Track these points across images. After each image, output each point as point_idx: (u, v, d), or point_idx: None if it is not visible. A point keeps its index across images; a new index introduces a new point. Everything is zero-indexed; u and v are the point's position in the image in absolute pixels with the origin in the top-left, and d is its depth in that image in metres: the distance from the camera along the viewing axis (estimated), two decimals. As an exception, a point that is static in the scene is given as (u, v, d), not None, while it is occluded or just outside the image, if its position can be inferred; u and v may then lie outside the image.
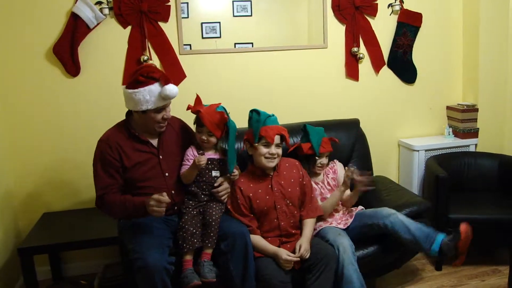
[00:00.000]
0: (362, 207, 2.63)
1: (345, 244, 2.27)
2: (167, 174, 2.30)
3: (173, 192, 2.30)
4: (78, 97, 2.88)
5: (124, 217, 2.25)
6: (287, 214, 2.38)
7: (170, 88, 2.13)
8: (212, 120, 2.29)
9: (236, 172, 2.40)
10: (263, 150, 2.33)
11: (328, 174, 2.69)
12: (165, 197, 2.02)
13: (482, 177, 3.18)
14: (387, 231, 2.35)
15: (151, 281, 1.96)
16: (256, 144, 2.33)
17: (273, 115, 2.40)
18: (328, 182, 2.65)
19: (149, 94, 2.11)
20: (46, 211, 2.92)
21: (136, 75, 2.15)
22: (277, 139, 2.33)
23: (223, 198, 2.36)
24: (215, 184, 2.36)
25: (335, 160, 2.77)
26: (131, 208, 2.13)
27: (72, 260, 3.03)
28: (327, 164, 2.71)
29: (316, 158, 2.60)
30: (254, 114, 2.37)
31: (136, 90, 2.11)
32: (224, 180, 2.38)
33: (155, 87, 2.12)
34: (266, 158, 2.33)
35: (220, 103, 2.38)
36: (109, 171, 2.18)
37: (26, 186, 2.90)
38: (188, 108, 2.37)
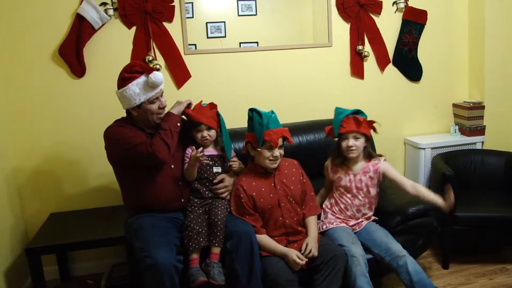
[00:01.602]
0: (375, 218, 2.57)
1: (358, 255, 2.24)
2: (172, 166, 2.32)
3: (180, 183, 2.34)
4: (84, 98, 2.89)
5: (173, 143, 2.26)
6: (291, 211, 2.38)
7: (155, 75, 2.18)
8: (206, 115, 2.35)
9: (235, 159, 2.43)
10: (267, 153, 2.32)
11: (368, 172, 2.47)
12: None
13: (489, 175, 3.16)
14: (390, 268, 2.30)
15: (160, 279, 1.97)
16: (260, 148, 2.32)
17: (272, 112, 2.37)
18: (360, 179, 2.47)
19: (137, 87, 2.18)
20: (53, 211, 2.93)
21: (121, 74, 2.23)
22: (280, 141, 2.33)
23: (223, 195, 2.37)
24: (215, 181, 2.37)
25: (380, 157, 2.51)
26: (170, 126, 2.25)
27: (80, 260, 3.04)
28: (367, 157, 2.49)
29: (335, 139, 2.44)
30: (256, 116, 2.32)
31: (125, 87, 2.19)
32: (225, 177, 2.40)
33: (141, 79, 2.20)
34: (270, 160, 2.34)
35: (201, 101, 2.42)
36: (135, 131, 2.24)
37: (34, 187, 2.91)
38: (187, 112, 2.39)
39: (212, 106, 2.41)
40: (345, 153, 2.46)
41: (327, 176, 2.61)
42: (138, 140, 2.19)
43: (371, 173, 2.47)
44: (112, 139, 2.24)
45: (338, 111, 2.48)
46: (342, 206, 2.52)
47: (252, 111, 2.36)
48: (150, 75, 2.17)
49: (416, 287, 2.19)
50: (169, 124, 2.26)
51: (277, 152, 2.33)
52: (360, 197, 2.49)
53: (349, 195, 2.50)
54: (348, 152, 2.43)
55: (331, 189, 2.61)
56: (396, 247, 2.31)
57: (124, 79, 2.21)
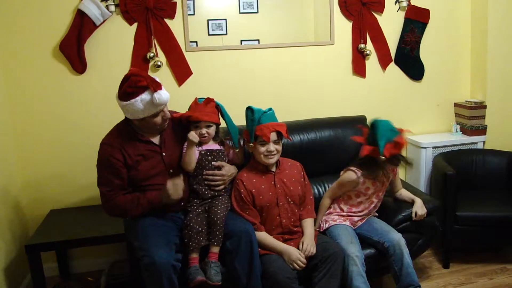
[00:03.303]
0: (377, 214, 2.59)
1: (355, 255, 2.24)
2: (171, 170, 2.30)
3: None
4: (85, 94, 2.88)
5: (134, 216, 2.22)
6: (288, 211, 2.38)
7: (160, 96, 2.09)
8: (205, 112, 2.31)
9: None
10: (261, 148, 2.33)
11: (386, 173, 2.51)
12: (180, 179, 2.15)
13: (490, 174, 3.16)
14: (387, 252, 2.33)
15: (158, 278, 1.97)
16: (253, 143, 2.33)
17: (269, 109, 2.37)
18: (383, 182, 2.53)
19: (141, 103, 2.09)
20: (53, 208, 2.93)
21: (124, 87, 2.12)
22: (273, 136, 2.33)
23: (219, 187, 2.33)
24: (215, 164, 2.34)
25: None
26: (145, 203, 2.17)
27: (79, 257, 3.04)
28: None
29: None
30: (248, 113, 2.36)
31: (128, 102, 2.10)
32: (225, 164, 2.37)
33: (146, 95, 2.09)
34: (265, 155, 2.34)
35: (196, 98, 2.39)
36: (114, 173, 2.18)
37: (33, 183, 2.91)
38: (184, 116, 2.35)
39: (208, 101, 2.35)
40: (381, 173, 2.46)
41: (348, 187, 2.50)
42: (106, 188, 2.18)
43: (389, 174, 2.53)
44: (97, 165, 2.23)
45: (382, 127, 2.35)
46: (358, 209, 2.52)
47: (247, 109, 2.39)
48: (155, 95, 2.07)
49: (403, 278, 2.27)
50: (144, 205, 2.19)
51: (272, 147, 2.32)
52: (376, 199, 2.53)
53: (368, 199, 2.51)
54: (388, 173, 2.50)
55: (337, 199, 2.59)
56: (397, 235, 2.36)
57: (128, 93, 2.09)
